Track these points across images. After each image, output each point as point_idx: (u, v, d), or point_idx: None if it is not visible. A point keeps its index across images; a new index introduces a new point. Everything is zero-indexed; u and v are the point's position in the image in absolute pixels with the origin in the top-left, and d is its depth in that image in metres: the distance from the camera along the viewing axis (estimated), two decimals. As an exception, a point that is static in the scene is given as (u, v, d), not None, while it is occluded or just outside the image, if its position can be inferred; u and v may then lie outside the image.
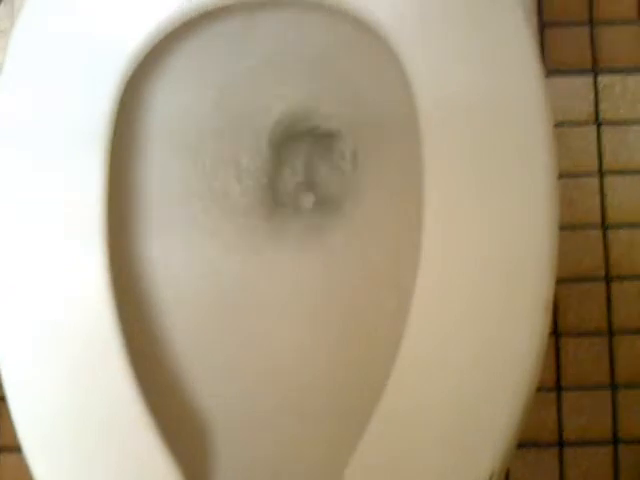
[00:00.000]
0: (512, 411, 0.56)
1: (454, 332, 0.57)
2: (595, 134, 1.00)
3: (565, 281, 0.97)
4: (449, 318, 0.57)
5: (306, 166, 0.81)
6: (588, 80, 1.01)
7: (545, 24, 1.01)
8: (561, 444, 0.96)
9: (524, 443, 0.95)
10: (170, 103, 0.73)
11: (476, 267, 0.57)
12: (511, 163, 0.59)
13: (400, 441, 0.57)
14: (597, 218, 0.99)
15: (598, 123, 1.00)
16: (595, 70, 1.01)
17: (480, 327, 0.57)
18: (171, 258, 0.73)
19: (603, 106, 1.00)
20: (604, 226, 0.99)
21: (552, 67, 1.00)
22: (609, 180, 0.99)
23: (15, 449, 0.94)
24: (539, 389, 0.94)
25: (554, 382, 0.97)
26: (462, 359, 0.57)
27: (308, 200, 0.78)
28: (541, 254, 0.57)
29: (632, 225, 0.98)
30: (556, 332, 0.97)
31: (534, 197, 0.58)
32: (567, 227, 0.98)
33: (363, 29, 0.64)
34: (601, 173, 0.99)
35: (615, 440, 0.96)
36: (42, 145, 0.64)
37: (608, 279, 0.98)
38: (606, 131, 1.00)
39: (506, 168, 0.59)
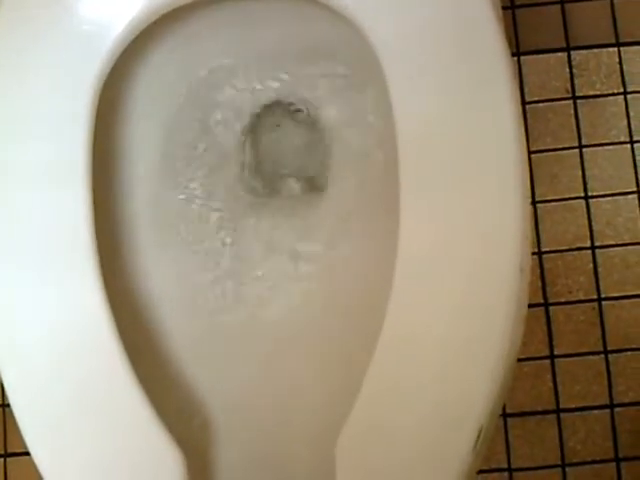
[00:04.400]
0: (495, 369, 0.58)
1: (434, 293, 0.59)
2: (572, 109, 1.02)
3: (552, 252, 0.99)
4: (430, 280, 0.60)
5: (292, 156, 0.82)
6: (562, 57, 1.03)
7: (517, 5, 1.03)
8: (559, 411, 0.98)
9: (522, 412, 0.97)
10: (152, 102, 0.74)
11: (453, 234, 0.60)
12: (482, 143, 0.61)
13: (387, 411, 0.60)
14: (579, 190, 1.01)
15: (574, 98, 1.02)
16: (568, 47, 1.03)
17: (460, 286, 0.59)
18: (164, 268, 0.75)
19: (578, 81, 1.02)
20: (586, 197, 1.01)
21: (526, 46, 1.02)
22: (589, 152, 1.01)
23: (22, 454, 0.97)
24: (533, 359, 0.97)
25: (547, 351, 0.98)
26: (442, 322, 0.59)
27: (293, 188, 0.80)
28: (512, 220, 0.60)
29: (613, 194, 1.00)
30: (546, 302, 0.99)
31: (504, 174, 0.61)
32: (551, 200, 1.00)
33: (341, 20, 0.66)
34: (580, 146, 1.01)
35: (611, 404, 0.97)
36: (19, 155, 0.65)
37: (593, 248, 1.00)
38: (583, 105, 1.02)
39: (478, 149, 0.61)
